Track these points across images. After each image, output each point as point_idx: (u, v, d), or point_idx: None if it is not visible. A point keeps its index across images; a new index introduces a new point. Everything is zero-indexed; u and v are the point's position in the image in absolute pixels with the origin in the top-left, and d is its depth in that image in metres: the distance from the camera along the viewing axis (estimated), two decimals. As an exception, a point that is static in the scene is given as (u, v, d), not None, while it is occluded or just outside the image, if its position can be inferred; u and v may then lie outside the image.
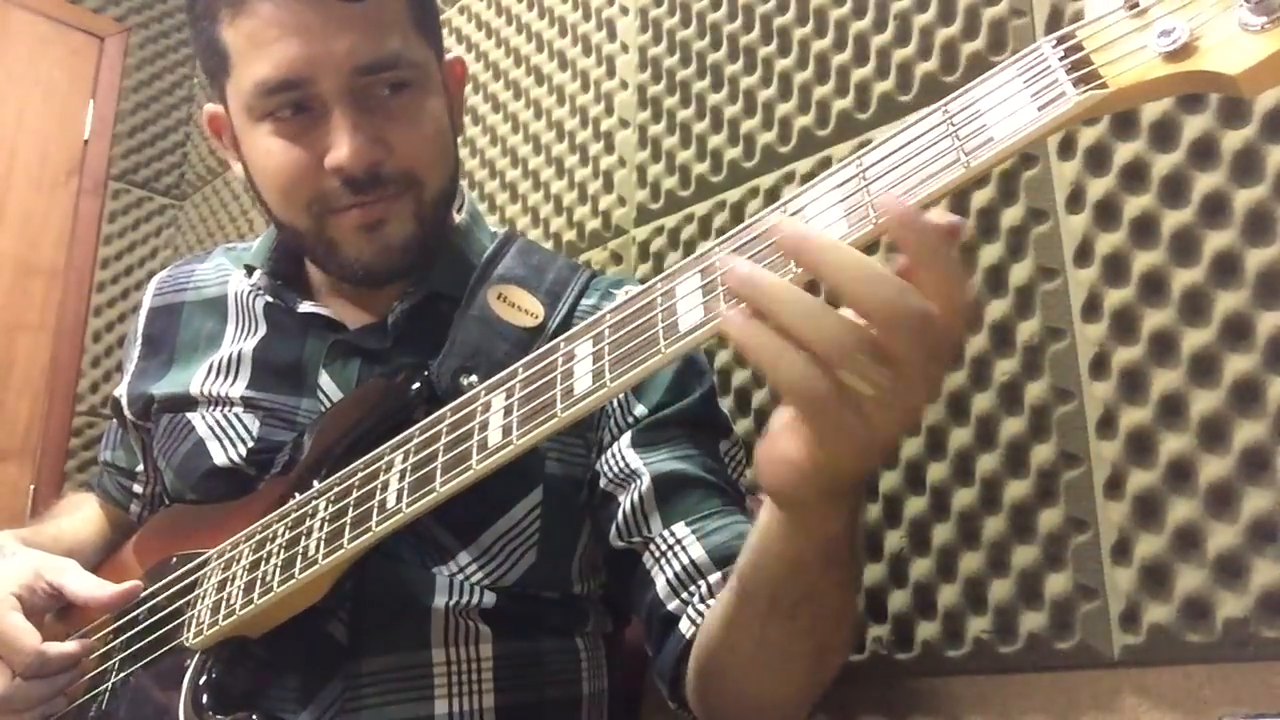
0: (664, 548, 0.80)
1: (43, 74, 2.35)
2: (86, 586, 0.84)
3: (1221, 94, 0.65)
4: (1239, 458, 0.83)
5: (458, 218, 0.99)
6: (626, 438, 0.86)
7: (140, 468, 1.07)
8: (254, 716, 0.76)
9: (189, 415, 0.94)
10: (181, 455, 0.93)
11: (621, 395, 0.87)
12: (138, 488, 1.08)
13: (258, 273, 0.98)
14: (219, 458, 0.90)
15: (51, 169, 2.33)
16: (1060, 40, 0.50)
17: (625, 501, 0.84)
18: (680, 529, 0.80)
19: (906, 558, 1.02)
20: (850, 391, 0.49)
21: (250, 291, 0.99)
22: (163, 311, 1.04)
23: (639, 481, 0.83)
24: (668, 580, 0.79)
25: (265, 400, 0.91)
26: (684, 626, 0.77)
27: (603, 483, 0.87)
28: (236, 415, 0.91)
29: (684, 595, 0.78)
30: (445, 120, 0.91)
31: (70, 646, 0.81)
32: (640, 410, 0.88)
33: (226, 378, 0.94)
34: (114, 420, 1.11)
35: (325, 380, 0.90)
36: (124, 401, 1.03)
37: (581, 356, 0.62)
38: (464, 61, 0.99)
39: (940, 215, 0.50)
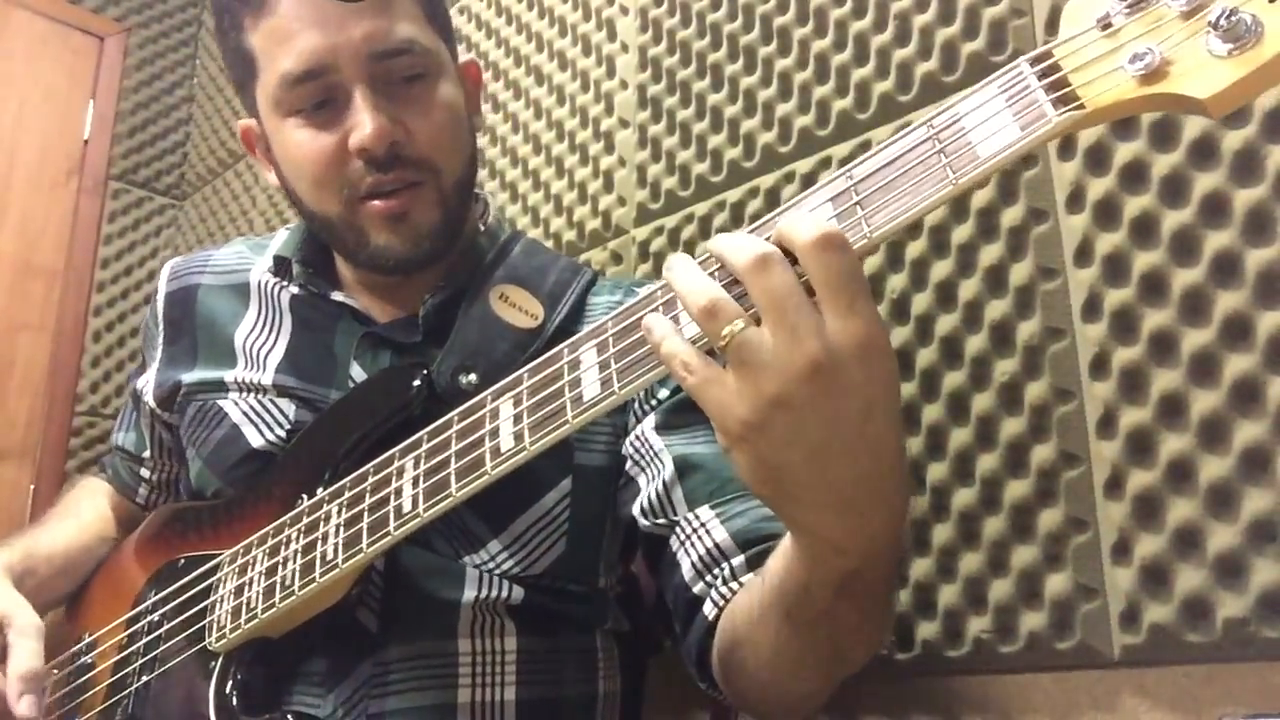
0: (689, 530, 0.81)
1: (43, 74, 2.35)
2: (24, 667, 0.82)
3: (1190, 114, 0.68)
4: (1239, 458, 0.83)
5: (487, 221, 1.01)
6: (650, 420, 0.88)
7: (148, 453, 1.07)
8: (290, 717, 0.77)
9: (220, 402, 0.94)
10: (214, 443, 0.93)
11: None
12: (145, 472, 1.08)
13: (292, 263, 0.99)
14: (255, 440, 0.90)
15: (51, 169, 2.32)
16: (1037, 60, 0.53)
17: (650, 486, 0.85)
18: (705, 512, 0.81)
19: (907, 558, 1.02)
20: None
21: (275, 283, 0.99)
22: (179, 295, 1.05)
23: (663, 465, 0.85)
24: (693, 563, 0.80)
25: (299, 389, 0.92)
26: (708, 609, 0.77)
27: (628, 465, 0.89)
28: (271, 400, 0.92)
29: (708, 578, 0.78)
30: (461, 109, 0.93)
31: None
32: (663, 393, 0.90)
33: (257, 368, 0.95)
34: (129, 403, 1.11)
35: (357, 372, 0.91)
36: (147, 391, 1.04)
37: (588, 365, 0.63)
38: (478, 64, 1.02)
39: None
